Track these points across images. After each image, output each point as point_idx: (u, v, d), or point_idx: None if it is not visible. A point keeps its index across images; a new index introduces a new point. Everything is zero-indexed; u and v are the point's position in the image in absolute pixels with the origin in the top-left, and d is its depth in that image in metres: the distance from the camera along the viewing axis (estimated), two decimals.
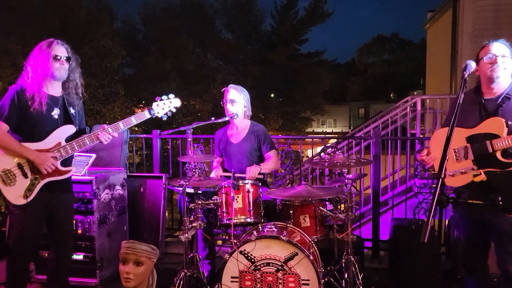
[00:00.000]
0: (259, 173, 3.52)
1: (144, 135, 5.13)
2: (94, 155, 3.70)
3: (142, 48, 21.77)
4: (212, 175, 3.84)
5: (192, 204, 3.21)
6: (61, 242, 3.01)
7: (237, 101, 3.70)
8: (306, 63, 26.16)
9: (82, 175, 3.51)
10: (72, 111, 2.94)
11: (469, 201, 2.51)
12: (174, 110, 3.16)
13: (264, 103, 22.26)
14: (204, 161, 3.41)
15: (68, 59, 2.86)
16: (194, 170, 3.29)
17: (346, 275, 3.18)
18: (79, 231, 3.48)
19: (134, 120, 3.01)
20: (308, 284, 2.85)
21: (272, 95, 25.78)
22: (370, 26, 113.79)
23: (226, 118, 3.74)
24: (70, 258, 3.15)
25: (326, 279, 3.12)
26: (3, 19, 12.73)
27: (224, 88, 3.81)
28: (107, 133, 2.90)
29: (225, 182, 3.28)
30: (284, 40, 25.57)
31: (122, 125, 2.97)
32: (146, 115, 3.06)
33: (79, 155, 3.72)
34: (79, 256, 3.52)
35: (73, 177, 3.47)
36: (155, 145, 4.81)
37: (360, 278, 3.17)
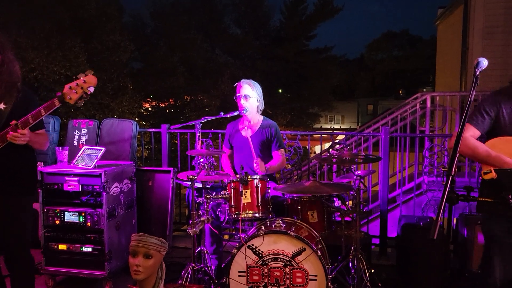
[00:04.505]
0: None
1: (153, 129, 5.14)
2: (103, 149, 3.71)
3: (151, 42, 21.81)
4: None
5: (201, 199, 3.22)
6: (7, 249, 2.75)
7: (251, 96, 3.70)
8: (315, 59, 26.05)
9: (91, 168, 3.53)
10: (1, 106, 2.63)
11: (479, 198, 2.48)
12: (90, 91, 2.60)
13: (272, 99, 22.23)
14: (212, 156, 3.41)
15: None
16: (202, 164, 3.29)
17: (353, 271, 3.19)
18: (88, 224, 3.51)
19: (43, 111, 2.58)
20: (315, 280, 2.86)
21: (280, 91, 25.78)
22: (379, 22, 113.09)
23: (236, 113, 3.74)
24: (26, 259, 2.81)
25: (333, 275, 3.13)
26: (13, 12, 12.79)
27: (236, 83, 3.80)
28: (14, 133, 2.53)
29: (234, 177, 3.28)
30: (293, 36, 25.48)
31: (31, 119, 2.58)
32: (55, 103, 2.56)
33: (88, 148, 3.75)
34: (87, 249, 3.55)
35: (82, 170, 3.52)
36: (163, 139, 4.83)
37: (367, 274, 3.18)
